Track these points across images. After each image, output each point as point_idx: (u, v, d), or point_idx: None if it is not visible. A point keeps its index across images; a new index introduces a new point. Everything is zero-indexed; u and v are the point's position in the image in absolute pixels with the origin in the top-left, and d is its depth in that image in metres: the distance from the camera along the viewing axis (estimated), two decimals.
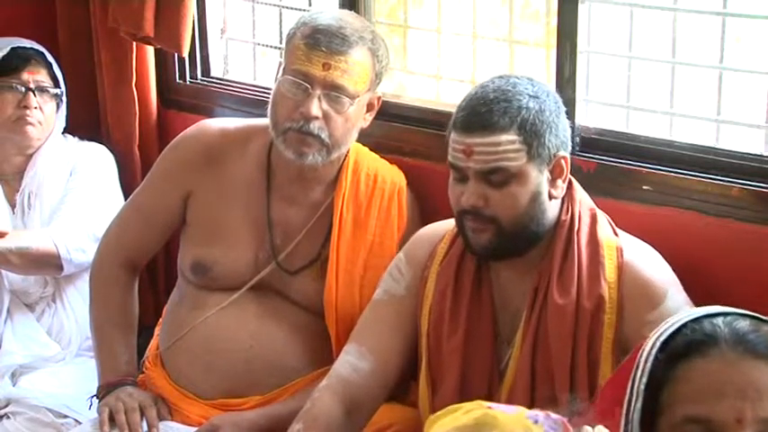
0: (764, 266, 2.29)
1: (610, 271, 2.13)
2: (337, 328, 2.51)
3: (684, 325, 1.43)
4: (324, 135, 2.41)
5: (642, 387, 1.42)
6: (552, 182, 2.13)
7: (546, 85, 2.17)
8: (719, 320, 1.43)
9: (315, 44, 2.40)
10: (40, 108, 2.99)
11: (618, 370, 1.50)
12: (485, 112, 2.08)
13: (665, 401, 1.40)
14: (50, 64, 3.03)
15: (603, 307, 2.10)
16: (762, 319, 1.46)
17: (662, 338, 1.43)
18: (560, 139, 2.13)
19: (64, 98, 3.06)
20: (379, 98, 2.50)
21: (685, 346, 1.41)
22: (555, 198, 2.14)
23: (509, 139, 2.07)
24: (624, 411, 1.42)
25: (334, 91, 2.40)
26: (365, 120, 2.50)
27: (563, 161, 2.13)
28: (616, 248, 2.15)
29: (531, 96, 2.10)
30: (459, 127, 2.11)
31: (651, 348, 1.43)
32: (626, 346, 2.06)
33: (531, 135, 2.08)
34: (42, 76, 3.01)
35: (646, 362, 1.42)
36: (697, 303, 2.14)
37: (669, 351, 1.42)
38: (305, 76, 2.40)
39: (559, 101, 2.16)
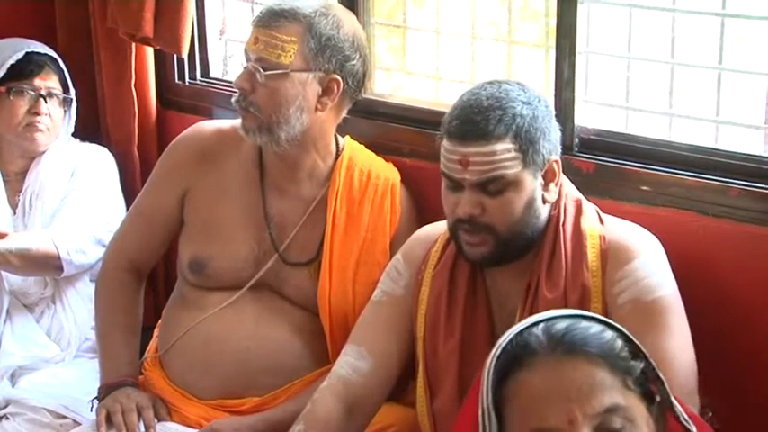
0: (763, 267, 2.29)
1: (593, 259, 2.12)
2: (331, 325, 2.52)
3: (510, 340, 1.47)
4: (252, 109, 2.46)
5: (490, 405, 1.45)
6: (545, 186, 2.13)
7: (536, 91, 2.15)
8: (539, 328, 1.46)
9: (253, 22, 2.50)
10: (49, 114, 3.01)
11: (471, 389, 1.52)
12: (480, 120, 2.07)
13: (507, 421, 1.44)
14: (62, 70, 3.05)
15: (589, 296, 2.10)
16: (584, 316, 1.49)
17: (495, 355, 1.47)
18: (553, 144, 2.12)
19: (73, 104, 3.07)
20: (338, 81, 2.47)
21: (508, 362, 1.45)
22: (548, 202, 2.14)
23: (505, 147, 2.06)
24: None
25: (258, 63, 2.44)
26: (322, 103, 2.48)
27: (555, 165, 2.13)
28: (599, 237, 2.15)
29: (524, 103, 2.09)
30: (453, 136, 2.09)
31: (489, 366, 1.47)
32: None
33: (527, 142, 2.07)
34: (53, 83, 3.02)
35: (487, 380, 1.46)
36: (696, 304, 2.15)
37: (497, 370, 1.45)
38: (245, 52, 2.49)
39: (550, 105, 2.16)
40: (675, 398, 1.52)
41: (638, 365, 1.45)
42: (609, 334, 1.46)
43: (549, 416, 1.40)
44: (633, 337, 1.48)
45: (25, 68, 2.99)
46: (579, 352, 1.42)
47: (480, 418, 1.46)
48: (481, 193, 2.09)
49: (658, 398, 1.47)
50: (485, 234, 2.10)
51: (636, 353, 1.47)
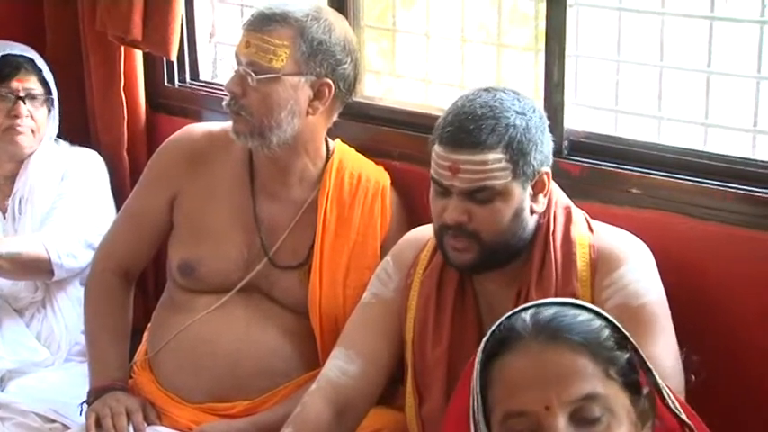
0: (751, 269, 2.29)
1: (582, 268, 2.13)
2: (321, 329, 2.52)
3: (499, 324, 1.50)
4: (244, 113, 2.46)
5: (478, 390, 1.48)
6: (534, 197, 2.12)
7: (531, 101, 2.15)
8: (527, 313, 1.49)
9: (243, 26, 2.49)
10: (32, 116, 3.00)
11: (462, 377, 1.56)
12: (473, 129, 2.06)
13: (491, 402, 1.47)
14: (40, 70, 3.03)
15: None
16: (573, 304, 1.51)
17: (485, 340, 1.50)
18: (544, 155, 2.12)
19: (55, 103, 3.06)
20: (329, 85, 2.47)
21: (495, 345, 1.49)
22: (536, 213, 2.14)
23: (496, 157, 2.06)
24: (471, 415, 1.49)
25: (250, 67, 2.44)
26: (313, 107, 2.48)
27: (545, 177, 2.13)
28: (589, 246, 2.15)
29: (518, 113, 2.08)
30: (445, 142, 2.08)
31: (480, 351, 1.50)
32: None
33: (518, 154, 2.07)
34: (32, 84, 3.01)
35: (477, 365, 1.49)
36: (683, 306, 2.15)
37: (484, 352, 1.49)
38: (235, 56, 2.49)
39: (544, 116, 2.15)
40: (668, 388, 1.53)
41: (623, 356, 1.47)
42: (596, 323, 1.48)
43: (526, 400, 1.42)
44: (622, 327, 1.49)
45: (2, 71, 2.97)
46: (562, 339, 1.44)
47: (471, 402, 1.48)
48: (469, 201, 2.08)
49: (647, 389, 1.48)
50: (470, 241, 2.10)
51: (622, 343, 1.48)
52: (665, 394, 1.51)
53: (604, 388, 1.43)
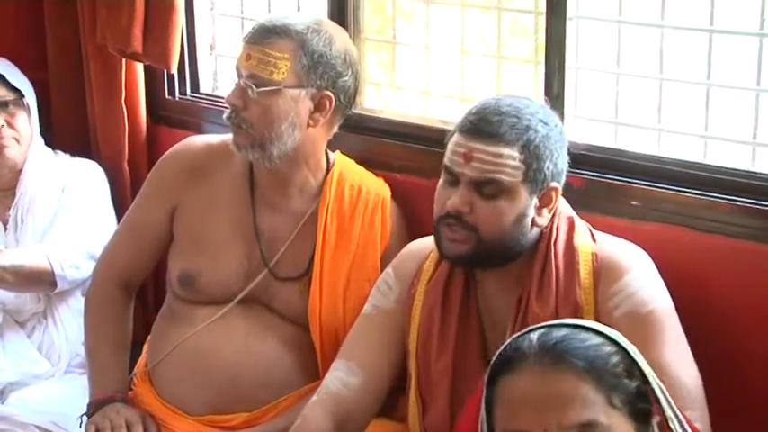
0: (753, 281, 2.29)
1: (585, 277, 2.13)
2: (321, 340, 2.53)
3: (509, 343, 1.50)
4: (245, 125, 2.46)
5: (484, 407, 1.50)
6: (539, 209, 2.13)
7: (556, 117, 2.17)
8: (534, 334, 1.49)
9: (244, 38, 2.50)
10: (10, 124, 2.97)
11: (475, 392, 1.56)
12: (495, 121, 2.09)
13: (495, 420, 1.48)
14: (2, 75, 2.98)
15: (580, 314, 2.10)
16: (586, 327, 1.50)
17: (494, 357, 1.51)
18: (558, 170, 2.13)
19: (32, 105, 3.03)
20: (330, 98, 2.48)
21: (499, 365, 1.49)
22: (538, 226, 2.14)
23: (511, 153, 2.08)
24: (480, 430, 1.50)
25: (251, 80, 2.44)
26: (314, 119, 2.49)
27: (554, 192, 2.14)
28: (591, 254, 2.15)
29: (541, 121, 2.11)
30: (465, 130, 2.11)
31: (488, 369, 1.51)
32: None
33: (533, 157, 2.08)
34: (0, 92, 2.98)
35: (484, 383, 1.50)
36: (685, 318, 2.15)
37: (490, 371, 1.49)
38: (236, 69, 2.50)
39: (565, 133, 2.17)
40: (684, 415, 1.52)
41: (631, 384, 1.45)
42: (606, 348, 1.47)
43: (526, 421, 1.43)
44: (635, 356, 1.47)
45: None
46: (565, 363, 1.44)
47: (480, 416, 1.50)
48: (474, 193, 2.09)
49: (658, 418, 1.47)
50: (468, 233, 2.10)
51: (632, 371, 1.46)
52: (672, 426, 1.49)
53: (606, 416, 1.42)
